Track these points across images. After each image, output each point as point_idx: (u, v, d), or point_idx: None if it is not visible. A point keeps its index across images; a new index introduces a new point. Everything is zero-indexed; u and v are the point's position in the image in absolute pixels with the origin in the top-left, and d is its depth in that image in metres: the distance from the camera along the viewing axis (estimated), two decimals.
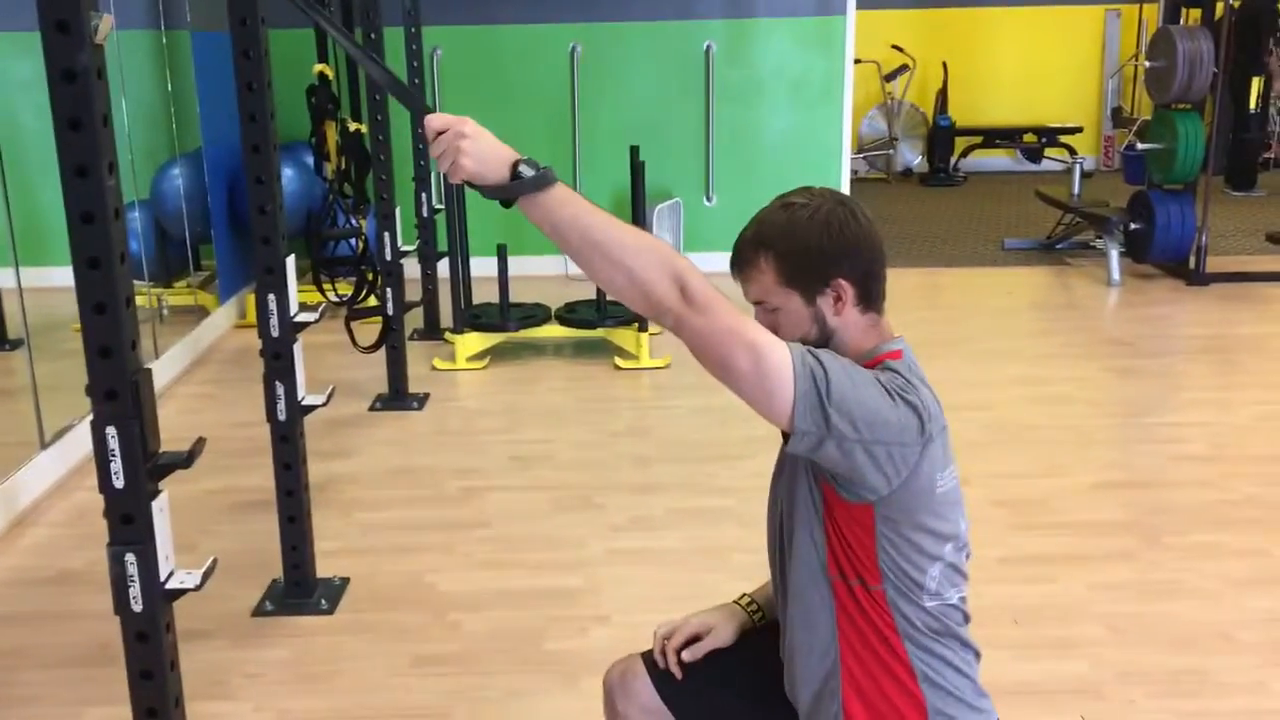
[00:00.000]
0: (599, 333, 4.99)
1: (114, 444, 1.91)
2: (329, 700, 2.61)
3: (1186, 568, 3.19)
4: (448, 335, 5.18)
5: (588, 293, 5.42)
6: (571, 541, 3.36)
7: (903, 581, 1.51)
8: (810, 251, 1.51)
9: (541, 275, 6.04)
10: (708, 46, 6.29)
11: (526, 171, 1.38)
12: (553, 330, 5.07)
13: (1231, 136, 8.69)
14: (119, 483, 1.93)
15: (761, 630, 1.78)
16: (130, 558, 1.96)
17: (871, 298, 1.56)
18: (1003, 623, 2.88)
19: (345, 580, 3.13)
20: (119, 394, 1.89)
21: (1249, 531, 3.40)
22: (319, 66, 3.30)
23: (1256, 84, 7.55)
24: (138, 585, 1.97)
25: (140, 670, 2.03)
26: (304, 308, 2.92)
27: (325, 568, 3.16)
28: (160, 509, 1.98)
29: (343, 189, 3.42)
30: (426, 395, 4.58)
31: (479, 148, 1.38)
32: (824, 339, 1.54)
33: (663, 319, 1.39)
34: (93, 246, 1.81)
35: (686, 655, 1.74)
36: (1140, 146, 6.51)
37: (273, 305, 2.82)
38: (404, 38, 5.27)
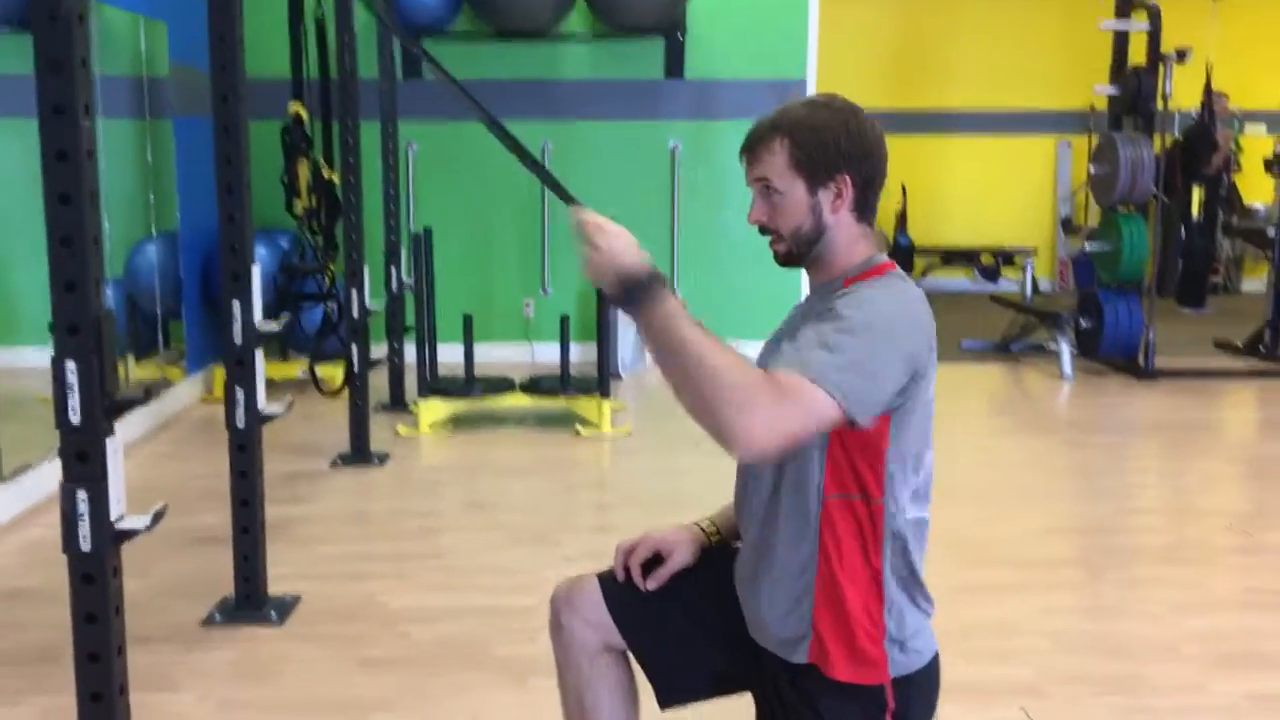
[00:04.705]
0: (562, 401, 5.07)
1: (73, 379, 1.96)
2: (273, 690, 2.60)
3: (1130, 595, 3.25)
4: (412, 406, 5.24)
5: (552, 370, 5.51)
6: (525, 569, 3.37)
7: (899, 490, 1.58)
8: (825, 142, 1.58)
9: (507, 361, 6.14)
10: (673, 147, 6.54)
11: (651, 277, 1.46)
12: (516, 399, 5.14)
13: (1181, 263, 9.01)
14: (75, 418, 1.98)
15: (716, 552, 1.82)
16: (82, 494, 1.99)
17: (867, 207, 1.63)
18: (948, 637, 2.89)
19: (296, 597, 3.13)
20: (81, 329, 1.96)
21: (1190, 567, 3.46)
22: (294, 106, 3.46)
23: (1198, 193, 7.87)
24: (87, 523, 2.00)
25: (85, 614, 2.04)
26: (271, 387, 3.02)
27: (278, 588, 3.16)
28: (115, 449, 2.03)
29: (312, 226, 3.54)
30: (387, 455, 4.62)
31: (621, 245, 1.49)
32: (817, 233, 1.61)
33: (732, 451, 1.41)
34: (64, 183, 1.91)
35: (650, 583, 1.77)
36: (1088, 247, 6.75)
37: (236, 312, 2.90)
38: (380, 132, 5.48)
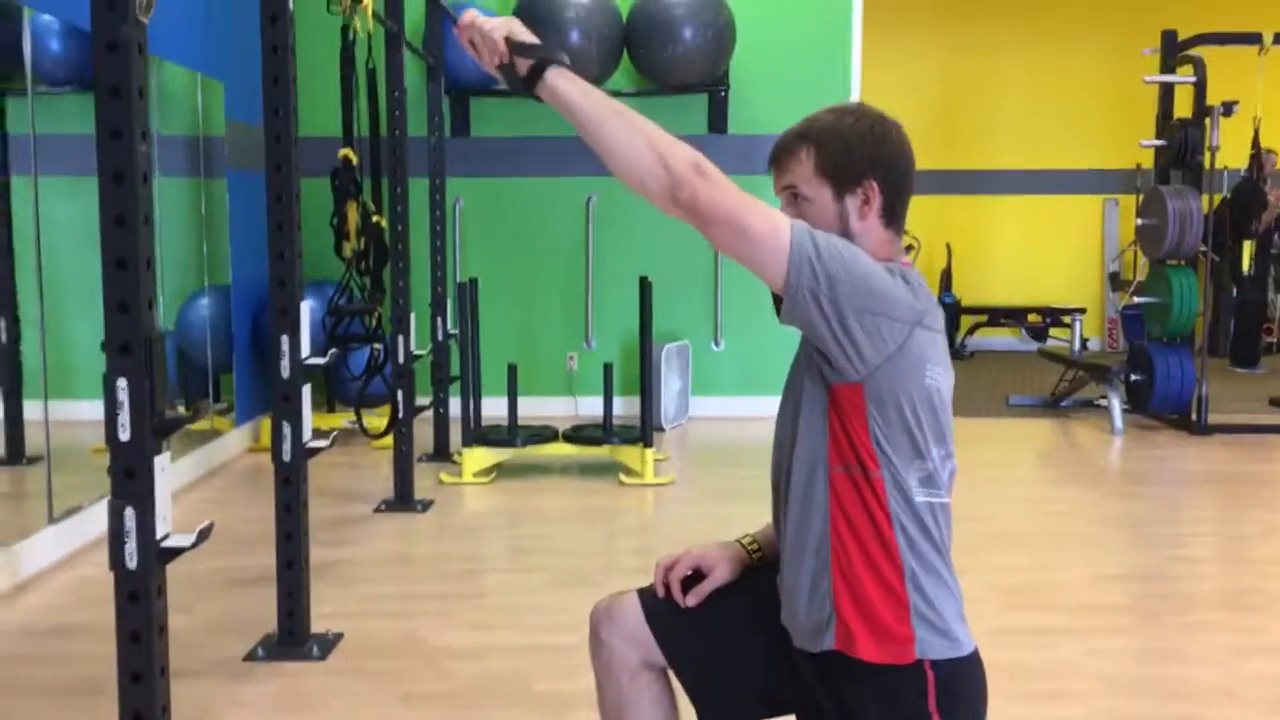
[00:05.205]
0: (605, 450, 5.07)
1: (123, 396, 2.00)
2: None
3: (1185, 640, 3.17)
4: (455, 456, 5.26)
5: (595, 421, 5.51)
6: (567, 610, 3.34)
7: (898, 468, 1.54)
8: (851, 149, 1.60)
9: (550, 414, 6.16)
10: None
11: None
12: (560, 448, 5.15)
13: (1234, 322, 8.90)
14: (125, 435, 2.01)
15: (758, 569, 1.80)
16: (129, 511, 2.02)
17: (894, 214, 1.63)
18: (996, 678, 2.84)
19: (339, 635, 3.13)
20: (133, 349, 2.00)
21: (1247, 614, 3.38)
22: (344, 151, 3.54)
23: (1249, 247, 7.79)
24: (134, 540, 2.02)
25: (130, 632, 2.05)
26: (317, 434, 3.08)
27: (320, 626, 3.16)
28: (162, 468, 2.06)
29: (359, 268, 3.60)
30: (431, 501, 4.63)
31: (511, 30, 1.58)
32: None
33: (677, 191, 1.48)
34: (120, 205, 1.96)
35: (690, 599, 1.75)
36: (1138, 300, 6.69)
37: (284, 347, 2.94)
38: (428, 187, 5.59)
